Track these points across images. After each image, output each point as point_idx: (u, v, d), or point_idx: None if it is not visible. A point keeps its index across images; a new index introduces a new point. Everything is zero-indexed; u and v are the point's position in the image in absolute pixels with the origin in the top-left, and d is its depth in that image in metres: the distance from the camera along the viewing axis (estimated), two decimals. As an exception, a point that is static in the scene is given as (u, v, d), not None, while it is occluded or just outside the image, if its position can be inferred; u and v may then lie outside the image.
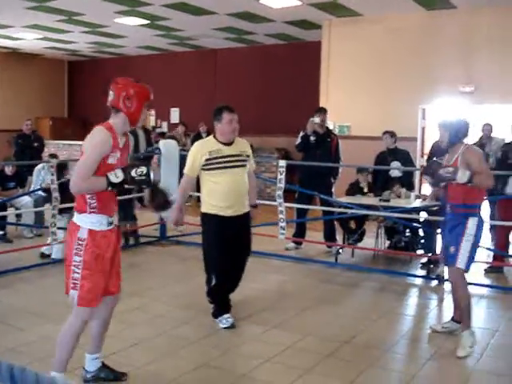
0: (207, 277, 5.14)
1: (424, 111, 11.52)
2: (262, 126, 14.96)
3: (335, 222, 8.08)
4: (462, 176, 4.35)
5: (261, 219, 10.09)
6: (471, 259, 4.55)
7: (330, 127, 9.70)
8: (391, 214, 7.14)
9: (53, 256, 7.25)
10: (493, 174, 7.01)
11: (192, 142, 13.00)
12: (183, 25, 13.06)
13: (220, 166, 4.75)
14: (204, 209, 4.90)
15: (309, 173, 8.02)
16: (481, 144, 8.69)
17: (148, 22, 12.70)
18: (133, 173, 3.35)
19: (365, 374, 3.99)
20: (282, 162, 7.53)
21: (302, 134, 8.09)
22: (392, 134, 8.17)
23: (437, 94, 11.09)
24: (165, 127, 17.04)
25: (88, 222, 3.39)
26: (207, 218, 4.87)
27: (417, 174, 10.52)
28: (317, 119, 7.94)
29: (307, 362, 4.19)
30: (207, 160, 4.74)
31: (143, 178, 3.37)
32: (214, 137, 4.90)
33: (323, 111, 8.23)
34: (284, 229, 7.47)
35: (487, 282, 6.68)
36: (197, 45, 15.77)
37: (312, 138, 7.98)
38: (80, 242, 3.37)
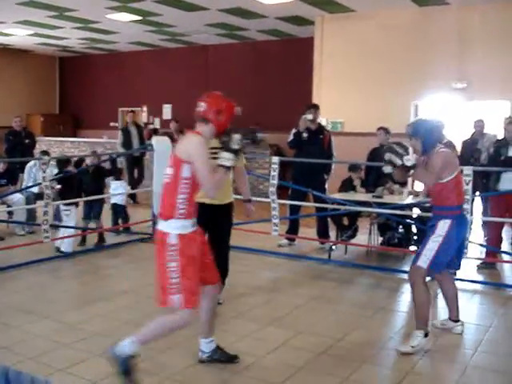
0: None
1: (417, 107, 11.54)
2: (254, 121, 14.92)
3: (328, 219, 8.08)
4: (407, 161, 4.38)
5: (254, 216, 10.09)
6: (436, 261, 4.40)
7: (323, 123, 9.69)
8: (384, 210, 7.14)
9: (63, 249, 7.34)
10: (485, 171, 7.12)
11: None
12: (175, 21, 13.02)
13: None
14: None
15: (302, 169, 8.02)
16: (473, 140, 8.70)
17: (140, 17, 12.66)
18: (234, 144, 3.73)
19: (358, 371, 3.99)
20: (275, 159, 7.52)
21: (294, 130, 8.08)
22: (387, 131, 8.18)
23: (429, 90, 11.11)
24: (157, 123, 17.01)
25: (177, 227, 3.56)
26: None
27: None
28: (309, 116, 7.92)
29: (301, 360, 4.18)
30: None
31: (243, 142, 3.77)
32: None
33: (315, 108, 8.22)
34: (277, 225, 7.46)
35: (480, 278, 6.70)
36: (189, 41, 15.73)
37: (304, 135, 7.97)
38: (172, 248, 3.53)
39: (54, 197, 7.37)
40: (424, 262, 4.41)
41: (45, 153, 8.39)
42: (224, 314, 5.18)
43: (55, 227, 7.68)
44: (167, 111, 16.99)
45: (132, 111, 13.50)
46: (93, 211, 8.02)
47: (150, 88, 17.07)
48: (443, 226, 4.42)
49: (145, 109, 17.15)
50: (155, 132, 13.80)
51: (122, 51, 17.79)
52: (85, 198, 7.95)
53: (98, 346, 4.28)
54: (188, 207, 3.61)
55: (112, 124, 18.06)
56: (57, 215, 8.13)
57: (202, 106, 3.78)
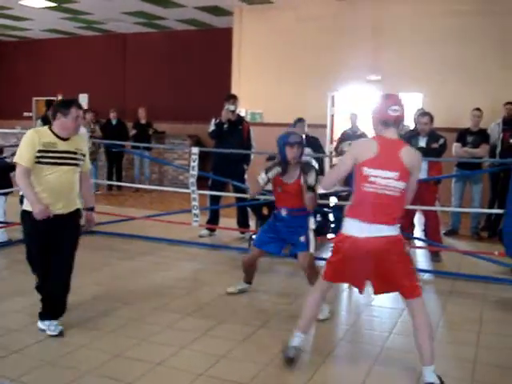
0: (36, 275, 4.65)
1: (333, 98, 11.79)
2: (173, 112, 14.85)
3: (248, 209, 8.16)
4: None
5: (174, 207, 10.07)
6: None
7: (242, 114, 9.75)
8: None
9: None
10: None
11: (102, 129, 12.78)
12: (91, 8, 12.74)
13: (52, 161, 4.26)
14: (26, 206, 4.37)
15: (221, 160, 8.05)
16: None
17: (55, 4, 12.29)
18: None
19: (280, 356, 4.06)
20: (195, 149, 7.51)
21: (215, 121, 8.09)
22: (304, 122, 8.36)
23: (346, 81, 11.39)
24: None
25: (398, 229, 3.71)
26: (27, 214, 4.30)
27: (327, 160, 10.75)
28: (231, 107, 7.96)
29: (223, 348, 4.23)
30: (40, 152, 4.22)
31: None
32: (50, 128, 4.39)
33: (235, 98, 8.25)
34: (197, 216, 7.47)
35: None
36: (106, 29, 15.41)
37: (225, 126, 8.01)
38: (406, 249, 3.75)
39: None
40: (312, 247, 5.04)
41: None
42: (144, 306, 5.17)
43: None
44: (83, 101, 16.59)
45: (51, 101, 13.20)
46: None
47: (66, 77, 16.62)
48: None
49: (60, 98, 16.67)
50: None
51: (36, 38, 17.21)
52: None
53: (15, 342, 4.19)
54: None
55: (26, 114, 17.48)
56: None
57: (398, 110, 3.66)
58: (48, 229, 4.30)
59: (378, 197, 3.60)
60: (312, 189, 4.88)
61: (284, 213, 5.13)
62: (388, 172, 3.57)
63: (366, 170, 3.60)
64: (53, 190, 4.29)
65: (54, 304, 4.50)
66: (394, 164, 3.59)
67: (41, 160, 4.24)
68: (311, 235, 5.10)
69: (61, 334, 4.38)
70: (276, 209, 5.28)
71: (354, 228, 3.67)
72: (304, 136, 8.34)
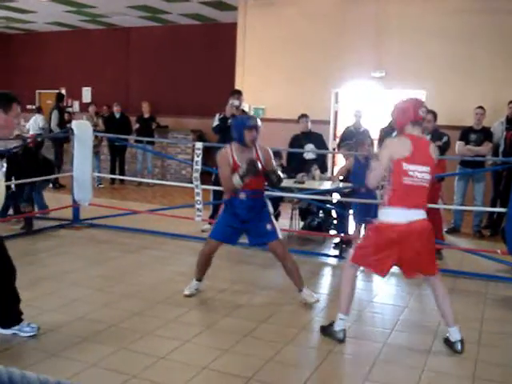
0: None
1: (337, 95, 11.79)
2: (176, 107, 14.85)
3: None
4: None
5: (176, 201, 10.10)
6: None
7: (246, 109, 9.76)
8: (305, 195, 7.30)
9: None
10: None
11: (105, 123, 12.80)
12: (96, 1, 12.73)
13: None
14: None
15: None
16: (391, 128, 8.99)
17: (59, -3, 12.30)
18: None
19: (282, 352, 4.10)
20: (199, 144, 7.53)
21: (220, 116, 8.10)
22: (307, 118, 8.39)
23: (350, 78, 11.38)
24: (76, 107, 16.63)
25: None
26: None
27: (330, 157, 10.78)
28: (236, 102, 7.97)
29: (226, 342, 4.25)
30: None
31: None
32: None
33: (239, 94, 8.28)
34: (201, 211, 7.49)
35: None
36: (109, 22, 15.40)
37: (229, 121, 8.01)
38: None
39: None
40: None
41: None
42: (148, 300, 5.19)
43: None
44: (87, 94, 16.61)
45: (58, 93, 13.28)
46: (23, 193, 7.85)
47: (70, 70, 16.61)
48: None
49: (63, 91, 16.68)
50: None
51: (41, 31, 17.19)
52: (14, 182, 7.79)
53: (11, 336, 4.22)
54: None
55: (29, 107, 17.47)
56: None
57: (424, 111, 4.22)
58: None
59: (416, 188, 4.12)
60: (275, 172, 5.17)
61: (242, 196, 5.12)
62: (423, 167, 4.10)
63: (406, 166, 4.06)
64: None
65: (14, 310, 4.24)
66: (427, 160, 4.15)
67: None
68: (274, 220, 5.27)
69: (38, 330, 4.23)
70: (232, 195, 5.17)
71: (398, 215, 4.11)
72: (307, 132, 8.39)
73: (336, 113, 11.88)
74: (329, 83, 11.53)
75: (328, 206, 7.67)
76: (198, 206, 7.48)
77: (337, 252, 7.25)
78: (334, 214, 7.86)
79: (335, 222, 7.82)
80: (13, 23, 16.03)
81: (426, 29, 10.72)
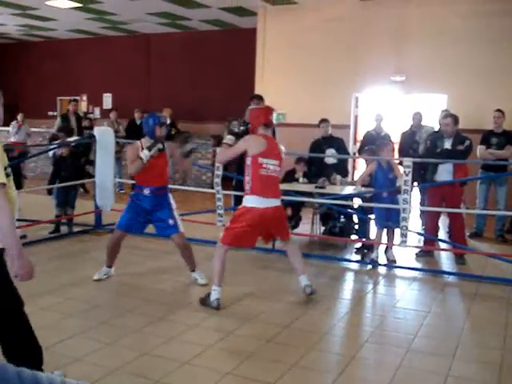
0: None
1: (357, 99, 11.77)
2: (197, 112, 14.93)
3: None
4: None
5: (196, 206, 10.12)
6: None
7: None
8: (326, 200, 7.29)
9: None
10: (422, 162, 7.37)
11: (126, 129, 12.88)
12: (116, 9, 12.85)
13: None
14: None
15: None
16: (411, 132, 8.97)
17: (80, 5, 12.42)
18: None
19: (305, 357, 4.10)
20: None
21: (241, 121, 8.12)
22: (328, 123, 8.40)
23: (370, 82, 11.36)
24: (97, 113, 16.77)
25: None
26: None
27: (350, 161, 10.76)
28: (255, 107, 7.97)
29: (249, 348, 4.26)
30: None
31: None
32: None
33: (260, 99, 8.28)
34: (222, 216, 7.51)
35: (418, 265, 6.94)
36: (130, 29, 15.53)
37: (249, 126, 8.02)
38: None
39: None
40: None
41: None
42: (171, 305, 5.22)
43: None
44: (107, 100, 16.76)
45: (75, 100, 13.29)
46: (69, 198, 8.05)
47: (90, 77, 16.78)
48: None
49: (85, 98, 16.86)
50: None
51: (62, 39, 17.40)
52: (59, 185, 8.01)
53: (42, 339, 4.25)
54: None
55: (50, 113, 17.69)
56: None
57: None
58: None
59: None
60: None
61: (147, 192, 5.66)
62: None
63: None
64: None
65: None
66: None
67: None
68: (176, 214, 5.80)
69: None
70: (136, 190, 5.78)
71: None
72: (328, 136, 8.38)
73: (356, 117, 11.86)
74: (349, 88, 11.52)
75: (349, 210, 7.65)
76: (219, 212, 7.50)
77: (358, 257, 7.23)
78: (355, 218, 7.83)
79: (356, 226, 7.80)
80: (34, 31, 16.24)
81: (447, 32, 10.67)
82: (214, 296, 5.09)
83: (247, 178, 5.18)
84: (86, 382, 1.48)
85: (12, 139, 13.57)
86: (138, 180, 5.76)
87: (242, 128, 8.16)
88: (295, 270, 5.46)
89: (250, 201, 5.13)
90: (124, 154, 13.46)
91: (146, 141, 5.66)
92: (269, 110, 5.40)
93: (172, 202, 5.85)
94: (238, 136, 5.62)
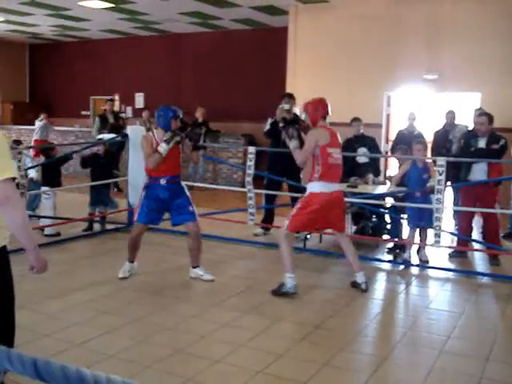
0: None
1: (389, 98, 11.67)
2: (228, 111, 14.94)
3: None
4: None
5: (227, 205, 10.15)
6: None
7: (297, 113, 9.74)
8: (358, 199, 7.25)
9: (47, 233, 7.62)
10: (456, 162, 7.26)
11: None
12: (148, 9, 12.93)
13: None
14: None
15: (277, 159, 8.06)
16: (445, 131, 8.87)
17: (112, 5, 12.54)
18: None
19: (337, 357, 4.08)
20: (252, 149, 7.56)
21: (270, 120, 8.11)
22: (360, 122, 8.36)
23: (401, 81, 11.25)
24: (129, 112, 16.91)
25: None
26: None
27: (382, 160, 10.68)
28: (286, 106, 7.96)
29: (280, 347, 4.26)
30: None
31: None
32: None
33: (291, 97, 8.26)
34: (253, 215, 7.52)
35: (452, 266, 6.85)
36: (162, 29, 15.62)
37: (280, 125, 8.01)
38: None
39: (27, 186, 7.35)
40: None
41: (17, 142, 8.31)
42: (202, 303, 5.24)
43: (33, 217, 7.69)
44: (139, 100, 16.89)
45: (111, 100, 13.44)
46: (103, 197, 8.16)
47: (123, 76, 16.93)
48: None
49: (117, 97, 17.00)
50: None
51: (94, 39, 17.58)
52: (90, 184, 8.18)
53: (76, 335, 4.31)
54: None
55: (83, 113, 17.89)
56: (30, 204, 8.08)
57: None
58: None
59: None
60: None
61: (163, 182, 5.77)
62: None
63: None
64: None
65: None
66: None
67: None
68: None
69: None
70: (152, 181, 5.81)
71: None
72: (360, 135, 8.34)
73: (388, 116, 11.76)
74: (381, 86, 11.42)
75: (381, 210, 7.59)
76: (250, 210, 7.52)
77: (390, 257, 7.17)
78: (387, 218, 7.77)
79: (389, 226, 7.73)
80: (67, 31, 16.44)
81: (481, 30, 10.50)
82: (290, 283, 5.37)
83: (317, 167, 5.43)
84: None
85: (34, 137, 13.86)
86: (153, 171, 5.79)
87: (268, 128, 8.16)
88: (351, 266, 5.78)
89: (319, 186, 5.42)
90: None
91: (158, 132, 5.81)
92: (325, 103, 5.89)
93: (187, 191, 5.99)
94: (300, 137, 5.98)
